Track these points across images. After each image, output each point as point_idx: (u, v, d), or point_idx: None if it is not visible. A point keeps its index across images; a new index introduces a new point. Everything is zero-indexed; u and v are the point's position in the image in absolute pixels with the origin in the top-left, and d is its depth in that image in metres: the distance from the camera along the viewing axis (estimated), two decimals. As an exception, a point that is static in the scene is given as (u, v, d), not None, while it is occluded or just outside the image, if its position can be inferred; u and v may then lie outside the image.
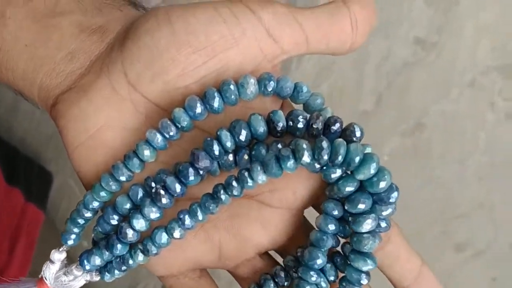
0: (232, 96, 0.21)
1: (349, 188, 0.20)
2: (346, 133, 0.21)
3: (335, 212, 0.21)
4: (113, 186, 0.22)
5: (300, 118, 0.21)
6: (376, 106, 0.55)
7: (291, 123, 0.21)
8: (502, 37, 0.54)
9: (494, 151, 0.55)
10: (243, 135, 0.21)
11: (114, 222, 0.22)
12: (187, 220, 0.21)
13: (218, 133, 0.21)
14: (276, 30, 0.21)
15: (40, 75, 0.24)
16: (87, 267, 0.23)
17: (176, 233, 0.21)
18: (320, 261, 0.21)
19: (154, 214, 0.21)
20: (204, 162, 0.21)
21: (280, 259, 0.24)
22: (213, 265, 0.24)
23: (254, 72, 0.22)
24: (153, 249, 0.22)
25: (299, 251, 0.22)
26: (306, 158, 0.19)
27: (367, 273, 0.21)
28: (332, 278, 0.22)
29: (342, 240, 0.23)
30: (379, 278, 0.24)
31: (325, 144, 0.19)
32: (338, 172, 0.20)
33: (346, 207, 0.20)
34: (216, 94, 0.21)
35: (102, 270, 0.23)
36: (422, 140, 0.55)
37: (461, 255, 0.55)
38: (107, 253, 0.22)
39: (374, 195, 0.20)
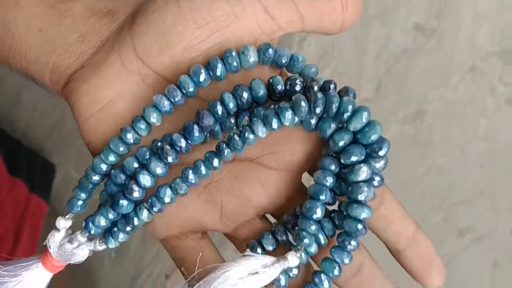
0: (234, 63, 0.23)
1: (344, 140, 0.21)
2: (340, 94, 0.22)
3: (332, 167, 0.22)
4: (121, 148, 0.23)
5: (298, 82, 0.22)
6: (376, 93, 0.56)
7: (289, 87, 0.22)
8: (501, 22, 0.54)
9: (495, 137, 0.55)
10: (244, 97, 0.22)
11: (121, 181, 0.23)
12: (191, 176, 0.22)
13: (222, 95, 0.22)
14: (273, 9, 0.23)
15: (53, 58, 0.25)
16: (92, 230, 0.24)
17: (181, 189, 0.22)
18: (318, 213, 0.21)
19: (160, 169, 0.22)
20: (208, 121, 0.22)
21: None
22: (214, 226, 0.24)
23: (253, 45, 0.24)
24: (158, 205, 0.23)
25: (297, 208, 0.23)
26: (303, 109, 0.21)
27: (364, 224, 0.22)
28: (330, 233, 0.23)
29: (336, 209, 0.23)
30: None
31: (319, 95, 0.21)
32: (332, 127, 0.22)
33: (341, 160, 0.22)
34: (219, 61, 0.23)
35: (106, 235, 0.24)
36: (423, 127, 0.56)
37: (462, 240, 0.55)
38: (112, 212, 0.23)
39: (367, 147, 0.21)
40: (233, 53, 0.23)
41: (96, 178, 0.24)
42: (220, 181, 0.24)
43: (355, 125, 0.21)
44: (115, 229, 0.24)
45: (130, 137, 0.23)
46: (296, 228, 0.22)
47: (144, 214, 0.23)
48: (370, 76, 0.55)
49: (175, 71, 0.24)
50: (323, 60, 0.56)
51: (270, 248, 0.23)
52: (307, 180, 0.25)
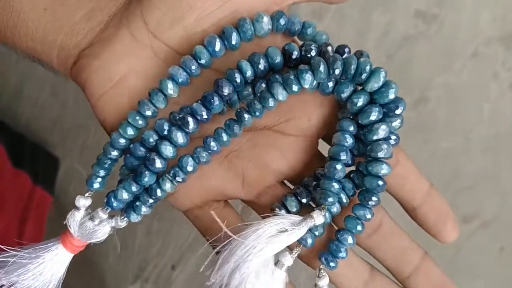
0: (249, 32, 0.23)
1: (362, 101, 0.22)
2: (356, 56, 0.22)
3: (350, 128, 0.23)
4: (140, 121, 0.23)
5: (313, 47, 0.23)
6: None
7: (304, 53, 0.23)
8: (502, 7, 0.54)
9: (499, 122, 0.55)
10: (261, 64, 0.22)
11: (141, 154, 0.23)
12: (212, 143, 0.22)
13: (239, 63, 0.22)
14: None
15: (60, 36, 0.25)
16: (115, 204, 0.23)
17: (203, 157, 0.23)
18: (340, 172, 0.22)
19: (181, 139, 0.22)
20: (227, 89, 0.22)
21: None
22: (236, 194, 0.25)
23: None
24: (181, 175, 0.23)
25: (318, 170, 0.24)
26: (322, 71, 0.21)
27: (384, 180, 0.22)
28: (351, 193, 0.23)
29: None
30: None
31: (338, 57, 0.21)
32: (350, 88, 0.22)
33: (359, 121, 0.22)
34: (233, 30, 0.23)
35: (128, 210, 0.24)
36: (426, 113, 0.56)
37: (468, 226, 0.55)
38: (134, 185, 0.23)
39: (384, 106, 0.22)
40: (247, 21, 0.23)
41: (114, 153, 0.24)
42: (240, 150, 0.24)
43: (372, 85, 0.21)
44: (137, 203, 0.24)
45: (148, 110, 0.23)
46: (319, 188, 0.22)
47: (167, 185, 0.23)
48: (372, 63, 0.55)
49: (188, 43, 0.24)
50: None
51: (294, 209, 0.23)
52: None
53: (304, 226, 0.20)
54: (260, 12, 0.23)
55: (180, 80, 0.23)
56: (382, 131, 0.21)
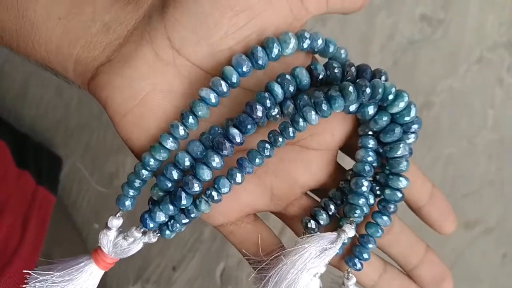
0: (276, 51, 0.23)
1: (385, 121, 0.24)
2: (376, 77, 0.24)
3: (372, 144, 0.25)
4: (172, 144, 0.23)
5: (336, 66, 0.24)
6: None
7: (328, 72, 0.24)
8: (508, 12, 0.54)
9: (503, 127, 0.55)
10: (292, 86, 0.23)
11: (176, 176, 0.23)
12: (246, 164, 0.23)
13: (270, 86, 0.23)
14: None
15: (76, 49, 0.24)
16: (151, 225, 0.24)
17: (238, 178, 0.24)
18: (365, 187, 0.24)
19: (218, 162, 0.23)
20: (260, 112, 0.23)
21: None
22: (266, 207, 0.26)
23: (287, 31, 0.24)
24: (217, 196, 0.24)
25: (342, 184, 0.26)
26: (352, 95, 0.22)
27: (402, 192, 0.25)
28: (372, 202, 0.26)
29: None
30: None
31: (367, 82, 0.22)
32: (374, 110, 0.24)
33: (381, 139, 0.24)
34: (261, 51, 0.23)
35: (161, 227, 0.25)
36: (431, 118, 0.56)
37: (471, 232, 0.55)
38: (171, 207, 0.23)
39: (403, 125, 0.24)
40: (275, 41, 0.23)
41: (146, 173, 0.24)
42: (267, 165, 0.25)
43: (396, 108, 0.23)
44: (172, 221, 0.24)
45: (180, 132, 0.23)
46: (347, 202, 0.25)
47: (204, 206, 0.24)
48: (376, 67, 0.55)
49: (213, 61, 0.23)
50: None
51: (324, 223, 0.25)
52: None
53: (340, 241, 0.23)
54: (287, 32, 0.23)
55: (211, 103, 0.23)
56: (402, 149, 0.24)
